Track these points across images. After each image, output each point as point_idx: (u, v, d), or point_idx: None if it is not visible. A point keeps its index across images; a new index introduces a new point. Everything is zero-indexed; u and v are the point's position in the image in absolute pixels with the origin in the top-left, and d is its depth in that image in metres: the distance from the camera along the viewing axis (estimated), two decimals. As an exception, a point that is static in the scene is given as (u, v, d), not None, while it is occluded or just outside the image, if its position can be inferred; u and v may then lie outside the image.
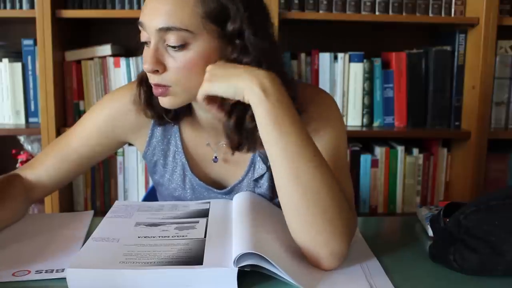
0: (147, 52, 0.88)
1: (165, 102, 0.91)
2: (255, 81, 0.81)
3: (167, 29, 0.84)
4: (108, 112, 1.03)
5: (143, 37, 0.89)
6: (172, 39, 0.85)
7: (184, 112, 1.00)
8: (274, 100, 0.81)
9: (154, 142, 1.05)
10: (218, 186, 1.05)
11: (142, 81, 0.98)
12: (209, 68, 0.86)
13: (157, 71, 0.87)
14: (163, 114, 0.98)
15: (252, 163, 1.01)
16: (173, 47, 0.85)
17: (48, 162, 1.04)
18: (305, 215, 0.79)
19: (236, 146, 0.93)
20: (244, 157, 1.02)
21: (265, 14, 0.92)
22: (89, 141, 1.04)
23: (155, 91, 0.90)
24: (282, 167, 0.81)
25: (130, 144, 1.11)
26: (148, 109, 0.98)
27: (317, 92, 1.01)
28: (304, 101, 0.93)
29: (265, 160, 0.99)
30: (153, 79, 0.89)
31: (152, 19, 0.85)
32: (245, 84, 0.82)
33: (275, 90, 0.81)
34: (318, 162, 0.81)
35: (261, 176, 1.00)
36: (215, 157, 1.03)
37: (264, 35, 0.89)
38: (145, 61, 0.88)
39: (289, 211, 0.82)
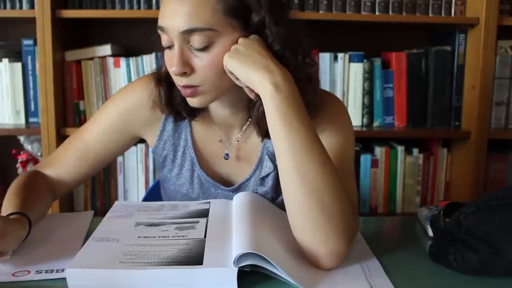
0: (170, 55, 0.88)
1: (194, 101, 0.92)
2: (268, 77, 0.82)
3: (191, 31, 0.84)
4: (122, 107, 1.04)
5: (164, 40, 0.88)
6: (196, 40, 0.85)
7: (200, 108, 1.00)
8: (284, 97, 0.82)
9: (165, 136, 1.05)
10: (226, 183, 1.05)
11: (161, 80, 0.98)
12: (240, 40, 0.86)
13: (185, 73, 0.87)
14: (181, 110, 0.99)
15: (260, 162, 1.02)
16: (198, 47, 0.85)
17: (67, 161, 1.06)
18: (307, 211, 0.80)
19: (265, 133, 0.93)
20: (253, 155, 1.03)
21: (283, 1, 0.92)
22: (104, 137, 1.05)
23: (184, 92, 0.90)
24: (288, 162, 0.81)
25: (142, 141, 1.11)
26: (167, 108, 0.99)
27: (328, 96, 1.02)
28: (314, 105, 0.94)
29: (273, 159, 0.99)
30: (180, 81, 0.89)
31: (174, 22, 0.85)
32: (258, 78, 0.83)
33: (287, 87, 0.82)
34: (324, 160, 0.82)
35: (267, 175, 1.01)
36: (227, 154, 1.03)
37: (285, 23, 0.89)
38: (170, 65, 0.88)
39: (292, 207, 0.82)
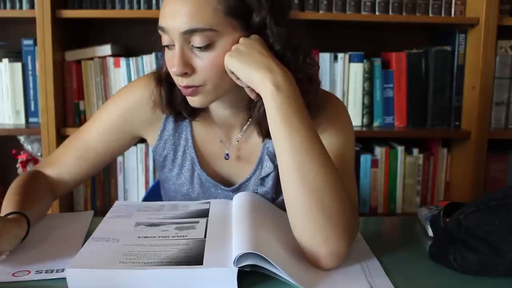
0: (171, 55, 0.88)
1: (195, 101, 0.91)
2: (269, 77, 0.82)
3: (192, 31, 0.84)
4: (123, 106, 1.04)
5: (165, 40, 0.88)
6: (197, 40, 0.84)
7: (201, 108, 1.00)
8: (285, 97, 0.82)
9: (165, 135, 1.06)
10: (226, 184, 1.05)
11: (161, 80, 0.98)
12: (241, 40, 0.86)
13: (186, 73, 0.87)
14: (182, 110, 0.99)
15: (261, 162, 1.02)
16: (199, 47, 0.85)
17: (67, 161, 1.06)
18: (307, 211, 0.80)
19: (266, 133, 0.93)
20: (253, 155, 1.03)
21: (284, 1, 0.92)
22: (104, 137, 1.05)
23: (185, 91, 0.90)
24: (289, 162, 0.81)
25: (142, 141, 1.11)
26: (168, 108, 0.99)
27: (328, 96, 1.02)
28: (315, 105, 0.94)
29: (273, 159, 1.00)
30: (181, 81, 0.89)
31: (174, 22, 0.84)
32: (259, 78, 0.83)
33: (288, 87, 0.82)
34: (324, 160, 0.82)
35: (267, 175, 1.01)
36: (227, 154, 1.03)
37: (286, 23, 0.89)
38: (171, 65, 0.88)
39: (292, 207, 0.82)
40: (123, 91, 1.06)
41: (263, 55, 0.84)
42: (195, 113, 1.01)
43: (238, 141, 1.03)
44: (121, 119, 1.04)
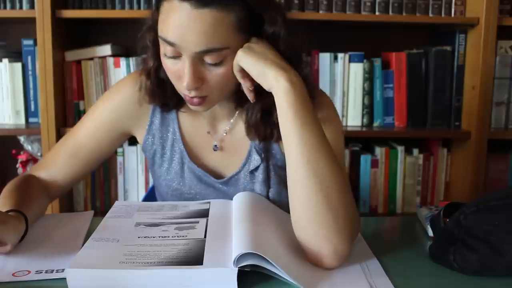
0: (174, 65, 0.87)
1: (200, 108, 0.93)
2: (284, 74, 0.83)
3: (208, 51, 0.84)
4: (112, 103, 1.05)
5: (169, 52, 0.86)
6: (211, 58, 0.85)
7: None
8: (298, 94, 0.83)
9: (153, 129, 1.06)
10: (216, 176, 1.05)
11: (149, 75, 0.98)
12: (253, 40, 0.87)
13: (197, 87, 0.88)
14: (169, 102, 1.00)
15: (250, 155, 1.02)
16: (213, 64, 0.86)
17: (60, 162, 1.06)
18: (314, 207, 0.80)
19: (263, 137, 0.95)
20: (242, 148, 1.03)
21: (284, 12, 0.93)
22: (96, 135, 1.05)
23: (191, 101, 0.91)
24: (299, 157, 0.82)
25: (133, 142, 1.12)
26: (158, 101, 1.00)
27: (315, 90, 1.02)
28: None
29: (259, 152, 1.00)
30: (190, 93, 0.89)
31: (188, 40, 0.83)
32: (274, 75, 0.84)
33: (300, 86, 0.84)
34: (332, 157, 0.83)
35: (256, 168, 1.01)
36: (215, 145, 1.04)
37: (294, 32, 0.91)
38: (177, 76, 0.88)
39: (298, 203, 0.83)
40: (112, 89, 1.07)
41: (275, 55, 0.86)
42: (181, 103, 1.01)
43: (226, 132, 1.04)
44: (111, 116, 1.05)
